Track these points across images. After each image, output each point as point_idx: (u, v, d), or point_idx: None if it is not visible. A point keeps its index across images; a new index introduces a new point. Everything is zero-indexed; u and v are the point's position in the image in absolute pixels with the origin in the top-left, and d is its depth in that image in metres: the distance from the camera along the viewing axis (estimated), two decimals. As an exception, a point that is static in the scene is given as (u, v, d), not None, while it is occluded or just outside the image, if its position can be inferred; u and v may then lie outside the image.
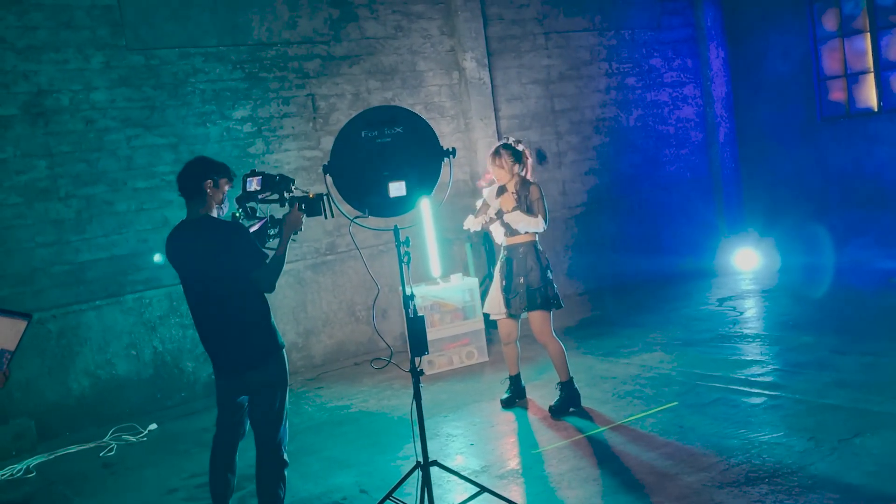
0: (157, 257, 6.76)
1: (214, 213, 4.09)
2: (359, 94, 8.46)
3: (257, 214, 4.35)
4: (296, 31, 8.12)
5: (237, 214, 4.32)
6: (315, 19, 8.22)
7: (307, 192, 4.30)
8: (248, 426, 4.31)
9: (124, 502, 5.32)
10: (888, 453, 4.44)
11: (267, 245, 4.27)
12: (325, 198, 4.22)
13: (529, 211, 5.75)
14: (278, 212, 4.34)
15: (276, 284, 4.10)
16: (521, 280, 5.79)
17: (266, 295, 4.13)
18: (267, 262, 4.02)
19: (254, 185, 4.25)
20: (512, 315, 5.96)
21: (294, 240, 4.26)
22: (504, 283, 5.89)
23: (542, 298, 5.76)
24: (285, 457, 4.20)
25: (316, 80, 8.23)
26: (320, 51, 8.26)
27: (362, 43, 8.49)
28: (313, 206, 4.21)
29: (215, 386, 4.28)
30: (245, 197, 4.28)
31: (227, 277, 3.97)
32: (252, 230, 4.23)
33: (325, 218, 4.26)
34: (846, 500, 4.00)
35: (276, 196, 4.29)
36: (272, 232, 4.30)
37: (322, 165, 4.37)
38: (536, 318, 5.80)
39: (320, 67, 8.26)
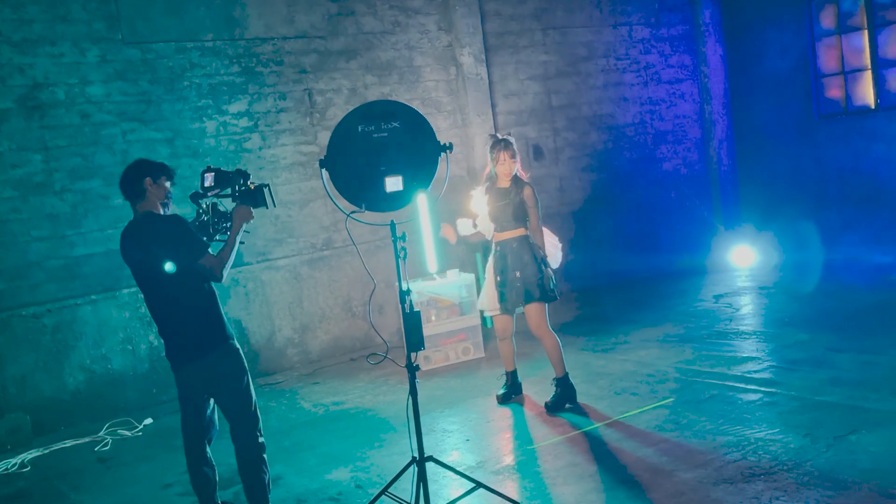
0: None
1: (159, 211, 4.20)
2: (356, 89, 8.44)
3: (219, 208, 4.41)
4: (293, 26, 8.09)
5: (201, 211, 4.37)
6: (312, 14, 8.20)
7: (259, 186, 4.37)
8: (217, 421, 4.44)
9: (120, 497, 5.30)
10: (884, 450, 4.45)
11: (218, 238, 4.36)
12: (265, 188, 4.29)
13: (517, 213, 5.77)
14: (230, 206, 4.39)
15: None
16: (518, 274, 5.78)
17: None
18: (211, 251, 4.12)
19: (208, 180, 4.33)
20: (507, 311, 5.96)
21: (247, 232, 4.33)
22: (499, 279, 5.88)
23: (540, 291, 5.76)
24: (261, 440, 4.29)
25: (313, 75, 8.21)
26: (317, 46, 8.24)
27: (359, 38, 8.47)
28: (256, 196, 4.28)
29: (174, 378, 4.37)
30: (199, 194, 4.34)
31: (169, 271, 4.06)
32: (197, 224, 4.34)
33: (268, 208, 4.34)
34: (842, 497, 4.00)
35: (228, 191, 4.34)
36: (225, 226, 4.35)
37: (318, 160, 4.37)
38: (532, 311, 5.80)
39: (317, 62, 8.24)
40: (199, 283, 4.15)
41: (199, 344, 4.17)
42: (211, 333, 4.20)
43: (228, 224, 4.33)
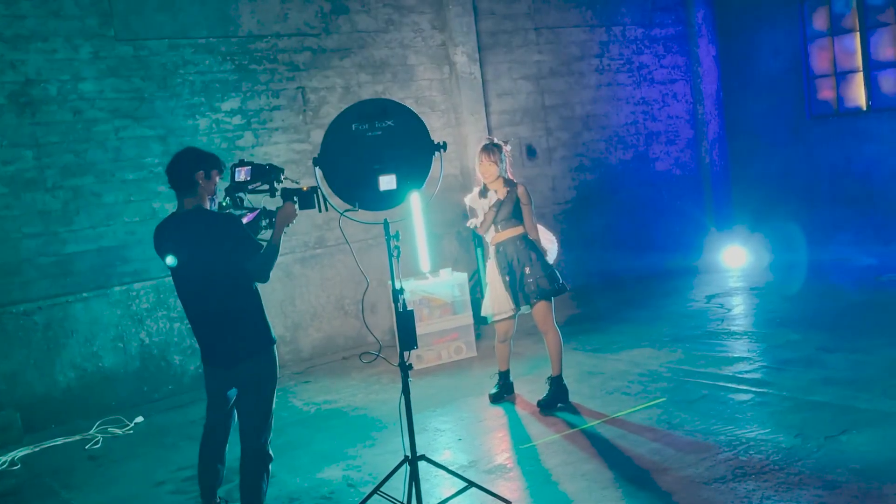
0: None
1: (207, 205, 4.06)
2: (349, 87, 8.43)
3: (244, 205, 4.32)
4: (286, 24, 8.08)
5: (223, 204, 4.29)
6: (306, 12, 8.18)
7: (299, 184, 4.28)
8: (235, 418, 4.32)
9: (111, 494, 5.29)
10: (874, 450, 4.47)
11: (259, 236, 4.25)
12: (317, 191, 4.21)
13: (514, 212, 5.80)
14: (270, 203, 4.31)
15: (270, 276, 4.09)
16: (528, 270, 5.78)
17: (257, 287, 4.12)
18: (261, 252, 4.01)
19: (242, 175, 4.23)
20: (518, 310, 5.93)
21: (285, 232, 4.23)
22: (507, 279, 5.85)
23: (552, 285, 5.78)
24: (270, 451, 4.20)
25: (306, 73, 8.20)
26: (311, 43, 8.23)
27: (353, 36, 8.46)
28: (306, 199, 4.19)
29: (204, 377, 4.28)
30: (234, 187, 4.25)
31: (222, 269, 3.95)
32: (245, 221, 4.20)
33: (319, 211, 4.23)
34: (832, 497, 4.02)
35: (265, 186, 4.27)
36: (264, 223, 4.28)
37: (312, 158, 4.36)
38: (541, 306, 5.81)
39: (311, 60, 8.22)
40: (248, 284, 4.03)
41: (248, 346, 4.04)
42: (260, 336, 4.08)
43: (267, 221, 4.23)
